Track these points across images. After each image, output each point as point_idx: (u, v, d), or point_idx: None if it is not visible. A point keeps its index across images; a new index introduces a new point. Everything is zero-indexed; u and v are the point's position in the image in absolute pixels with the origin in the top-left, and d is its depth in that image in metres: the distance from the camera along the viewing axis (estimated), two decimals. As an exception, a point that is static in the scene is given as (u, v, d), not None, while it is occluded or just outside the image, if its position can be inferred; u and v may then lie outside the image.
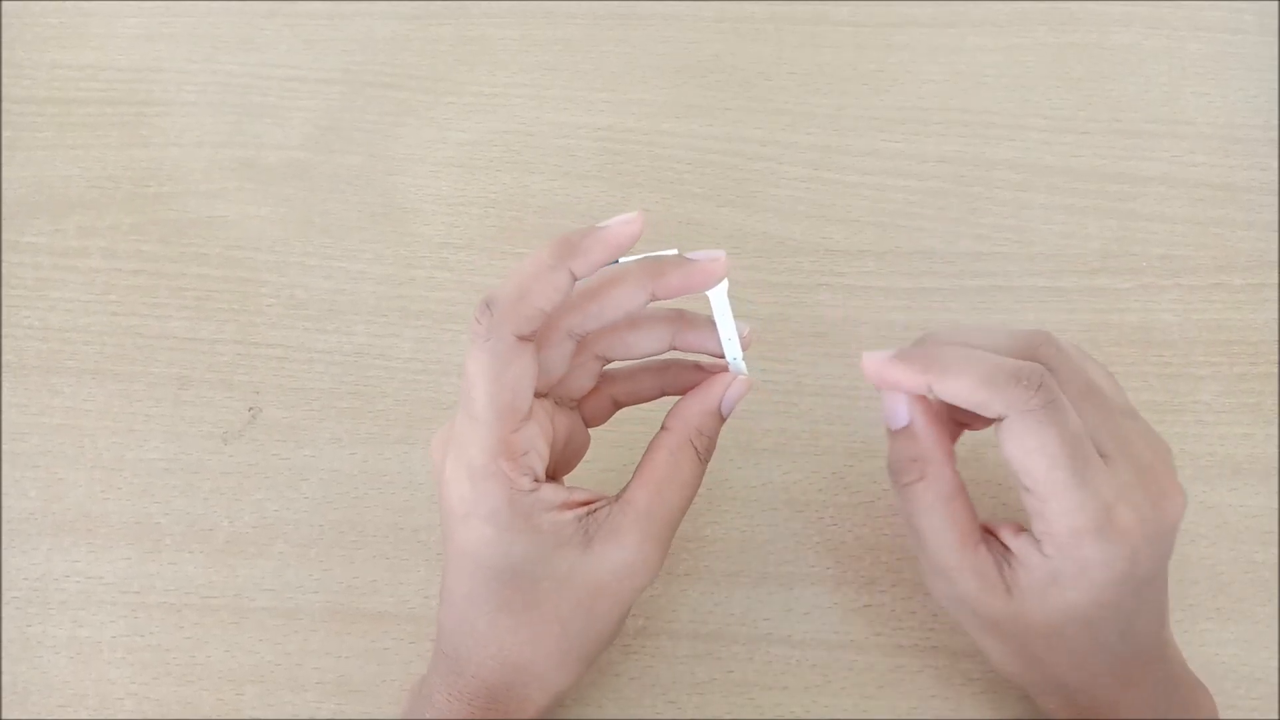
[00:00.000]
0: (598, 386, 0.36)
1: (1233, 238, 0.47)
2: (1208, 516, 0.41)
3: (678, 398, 0.34)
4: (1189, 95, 0.51)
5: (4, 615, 0.40)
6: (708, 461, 0.33)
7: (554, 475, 0.34)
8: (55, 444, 0.43)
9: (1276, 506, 0.41)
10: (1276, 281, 0.46)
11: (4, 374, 0.45)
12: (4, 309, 0.47)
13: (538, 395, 0.33)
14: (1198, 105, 0.51)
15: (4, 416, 0.44)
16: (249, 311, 0.46)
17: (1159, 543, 0.30)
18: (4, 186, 0.50)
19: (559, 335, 0.32)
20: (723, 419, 0.34)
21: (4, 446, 0.44)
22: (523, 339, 0.30)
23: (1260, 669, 0.38)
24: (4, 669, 0.39)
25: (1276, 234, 0.47)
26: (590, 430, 0.36)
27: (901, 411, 0.32)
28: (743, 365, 0.34)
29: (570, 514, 0.31)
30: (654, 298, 0.32)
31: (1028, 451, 0.29)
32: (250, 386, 0.45)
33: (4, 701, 0.39)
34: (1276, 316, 0.45)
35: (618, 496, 0.32)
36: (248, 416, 0.44)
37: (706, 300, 0.33)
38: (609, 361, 0.35)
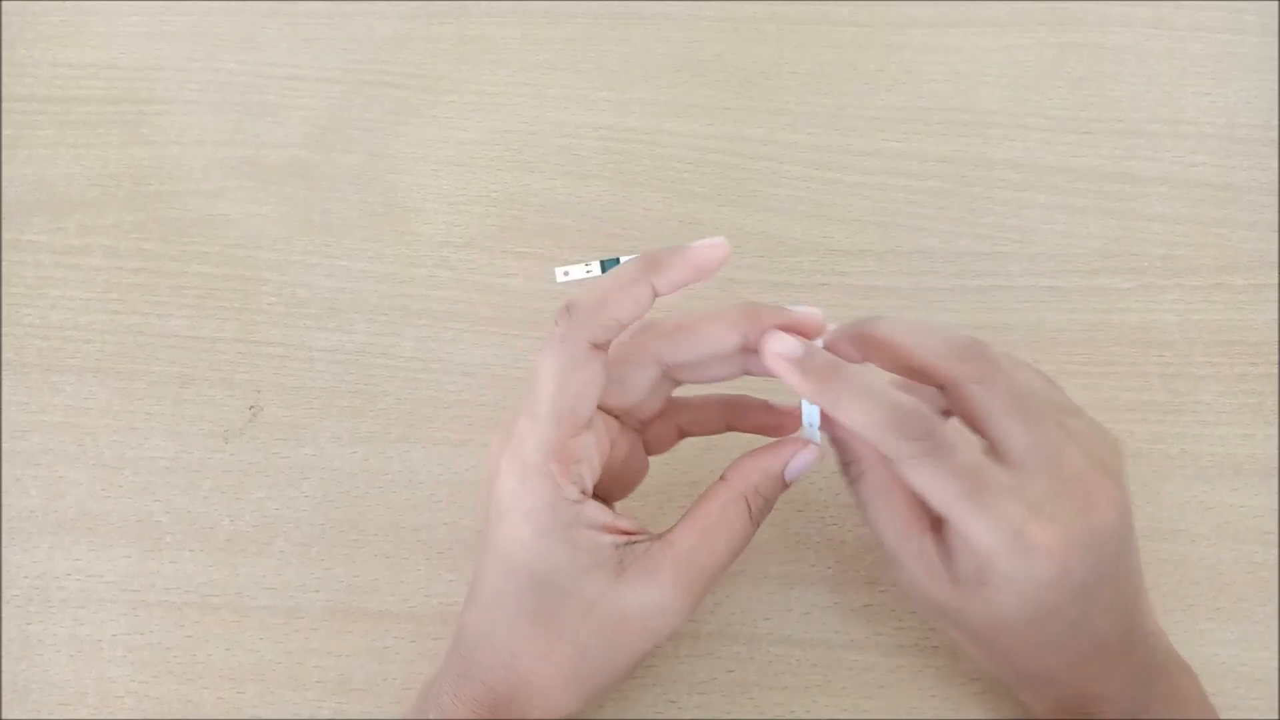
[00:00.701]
0: (664, 412, 0.36)
1: (1233, 238, 0.47)
2: (1208, 516, 0.41)
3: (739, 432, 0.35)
4: (1190, 95, 0.51)
5: (4, 613, 0.40)
6: (759, 523, 0.33)
7: (606, 498, 0.34)
8: (56, 442, 0.44)
9: (1276, 506, 0.41)
10: (1277, 282, 0.46)
11: (5, 372, 0.45)
12: (5, 307, 0.47)
13: (610, 412, 0.33)
14: (1198, 105, 0.51)
15: (5, 414, 0.44)
16: (250, 310, 0.46)
17: (1091, 549, 0.30)
18: (5, 185, 0.50)
19: (645, 359, 0.32)
20: (785, 485, 0.33)
21: (5, 444, 0.44)
22: (596, 347, 0.31)
23: (1260, 669, 0.38)
24: (4, 667, 0.39)
25: (1277, 234, 0.47)
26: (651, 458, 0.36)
27: (815, 432, 0.33)
28: (817, 434, 0.33)
29: (610, 538, 0.31)
30: (747, 342, 0.32)
31: (924, 489, 0.30)
32: (251, 385, 0.45)
33: (4, 700, 0.39)
34: (1277, 317, 0.45)
35: (661, 535, 0.32)
36: (249, 415, 0.44)
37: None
38: (679, 384, 0.35)
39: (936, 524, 0.32)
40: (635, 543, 0.31)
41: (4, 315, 0.46)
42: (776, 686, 0.39)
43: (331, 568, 0.41)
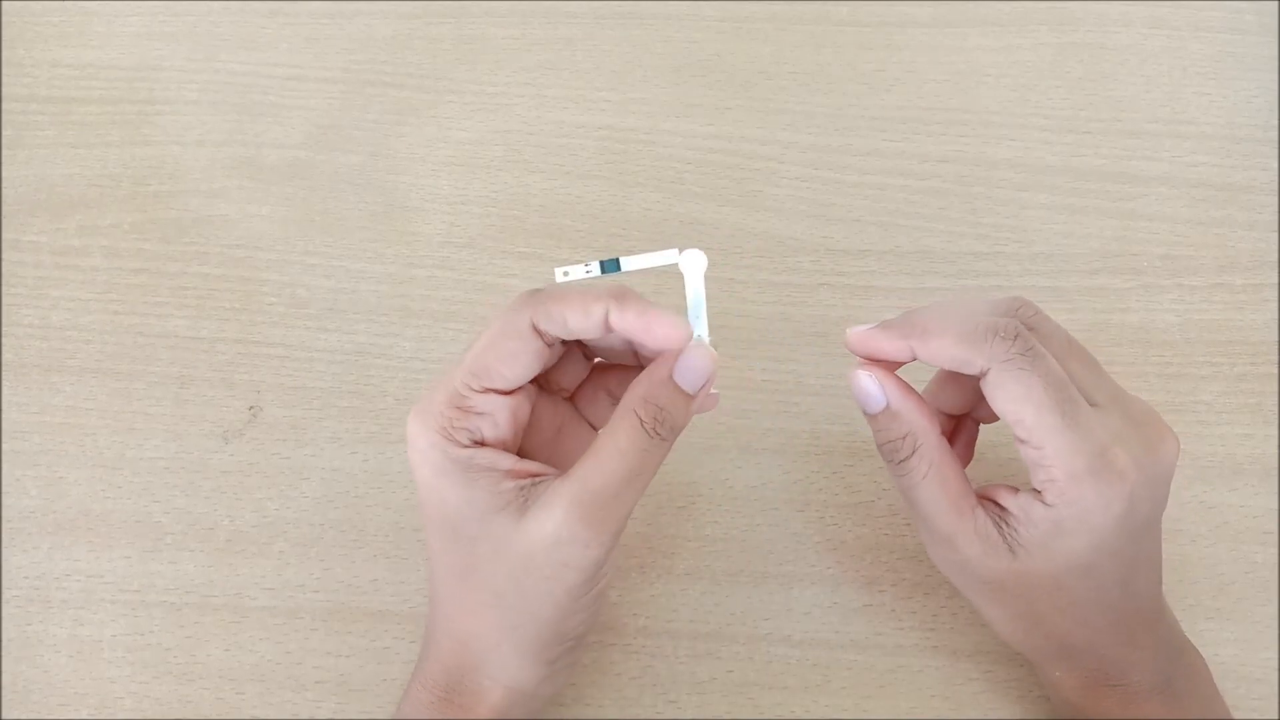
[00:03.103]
0: (591, 379, 0.36)
1: (1233, 238, 0.47)
2: (1208, 516, 0.41)
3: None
4: (1190, 95, 0.51)
5: (4, 614, 0.40)
6: (663, 435, 0.31)
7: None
8: (56, 443, 0.44)
9: (1276, 506, 0.41)
10: (1277, 282, 0.46)
11: (5, 373, 0.45)
12: (5, 307, 0.47)
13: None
14: (1198, 105, 0.51)
15: (4, 415, 0.44)
16: (250, 310, 0.46)
17: (1155, 486, 0.31)
18: (5, 185, 0.50)
19: (522, 325, 0.32)
20: (685, 392, 0.31)
21: (4, 445, 0.44)
22: (537, 330, 0.31)
23: (1260, 669, 0.39)
24: (4, 668, 0.39)
25: (1277, 234, 0.47)
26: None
27: (875, 393, 0.32)
28: (705, 340, 0.32)
29: (512, 482, 0.30)
30: (609, 328, 0.31)
31: (1015, 400, 0.29)
32: (251, 385, 0.45)
33: (4, 700, 0.39)
34: (1277, 317, 0.45)
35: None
36: (248, 415, 0.44)
37: (678, 276, 0.33)
38: (592, 357, 0.35)
39: (985, 498, 0.32)
40: (540, 481, 0.31)
41: (4, 315, 0.46)
42: (776, 686, 0.39)
43: (331, 568, 0.41)
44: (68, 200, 0.49)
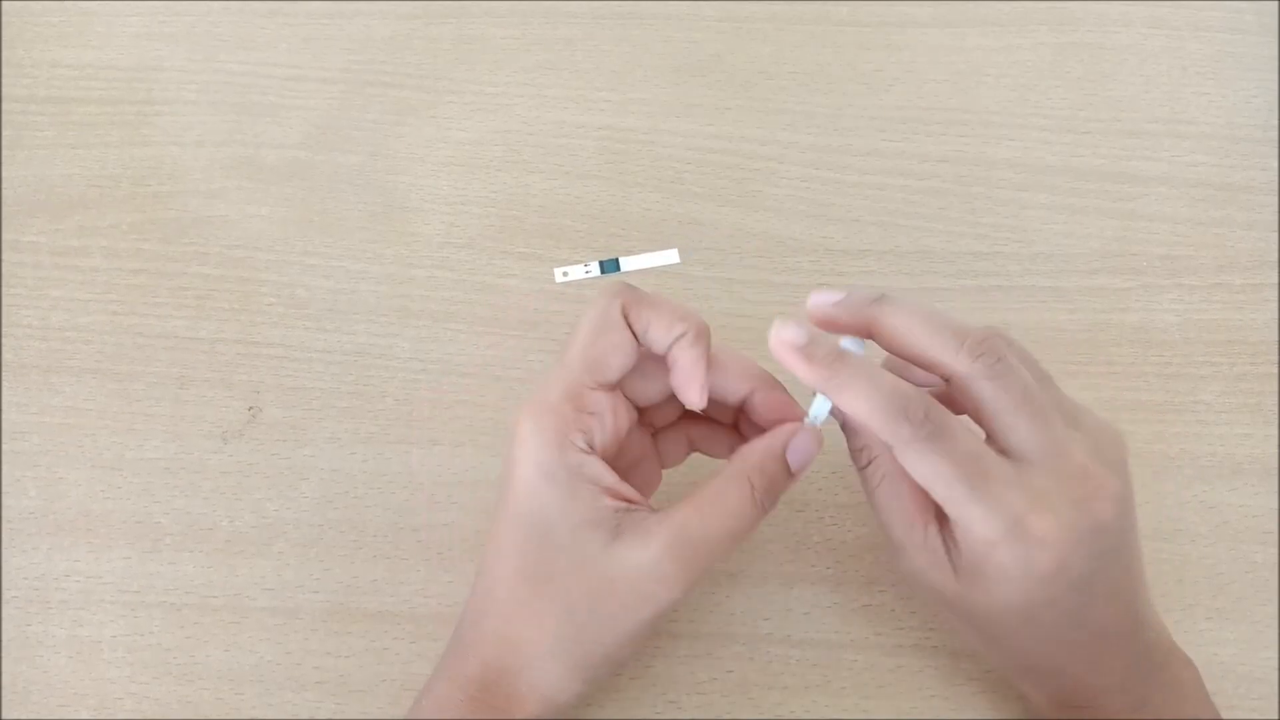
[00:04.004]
0: (677, 423, 0.37)
1: (1233, 238, 0.47)
2: (1208, 516, 0.41)
3: None
4: (1189, 95, 0.51)
5: (4, 614, 0.40)
6: (764, 505, 0.32)
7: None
8: (55, 443, 0.43)
9: (1276, 506, 0.41)
10: (1277, 282, 0.46)
11: (4, 373, 0.45)
12: (4, 308, 0.47)
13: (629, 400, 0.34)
14: (1198, 105, 0.51)
15: (5, 415, 0.44)
16: (249, 311, 0.46)
17: (1091, 541, 0.30)
18: (4, 185, 0.50)
19: (619, 320, 0.33)
20: (790, 471, 0.33)
21: (4, 445, 0.44)
22: (629, 322, 0.32)
23: (1260, 669, 0.38)
24: (4, 668, 0.39)
25: (1277, 234, 0.47)
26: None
27: (824, 415, 0.33)
28: (819, 421, 0.33)
29: (611, 501, 0.31)
30: (667, 349, 0.33)
31: (923, 477, 0.30)
32: (250, 386, 0.45)
33: (4, 701, 0.39)
34: (1277, 316, 0.45)
35: (664, 509, 0.32)
36: (248, 416, 0.44)
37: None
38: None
39: (942, 515, 0.32)
40: (635, 511, 0.32)
41: (4, 316, 0.46)
42: (776, 686, 0.38)
43: (331, 568, 0.41)
44: (67, 200, 0.49)
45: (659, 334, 0.32)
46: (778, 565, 0.41)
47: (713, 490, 0.32)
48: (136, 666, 0.39)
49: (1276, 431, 0.43)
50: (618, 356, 0.32)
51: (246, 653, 0.39)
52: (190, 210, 0.49)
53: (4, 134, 0.51)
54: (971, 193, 0.49)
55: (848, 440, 0.34)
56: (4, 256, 0.48)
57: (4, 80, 0.53)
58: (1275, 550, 0.41)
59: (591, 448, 0.32)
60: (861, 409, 0.30)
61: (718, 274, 0.47)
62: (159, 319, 0.46)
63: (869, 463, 0.33)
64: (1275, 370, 0.44)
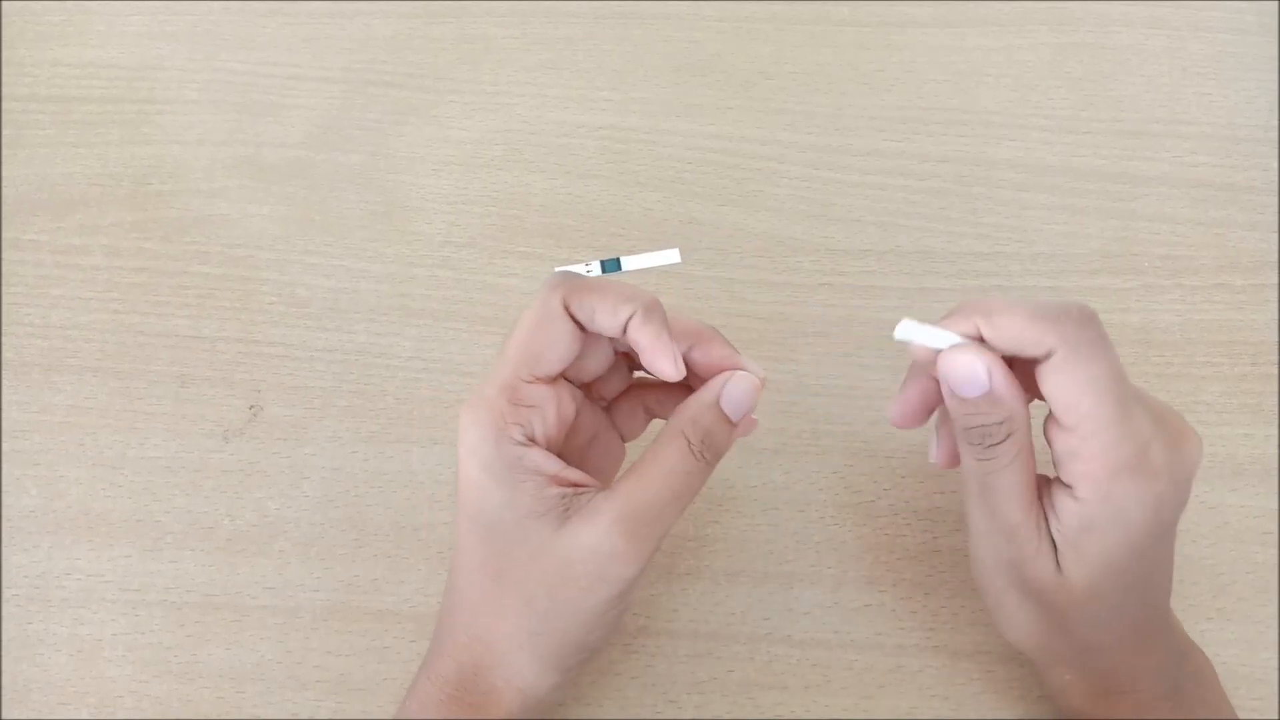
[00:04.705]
0: (628, 392, 0.36)
1: (1234, 238, 0.47)
2: (1208, 516, 0.41)
3: None
4: (1190, 95, 0.51)
5: (5, 613, 0.40)
6: (708, 459, 0.31)
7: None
8: (56, 442, 0.44)
9: (1276, 506, 0.41)
10: (1277, 282, 0.46)
11: (5, 372, 0.45)
12: (5, 307, 0.47)
13: (572, 380, 0.33)
14: (1199, 105, 0.51)
15: (5, 414, 0.44)
16: (250, 309, 0.46)
17: (1180, 488, 0.30)
18: (5, 184, 0.50)
19: (559, 309, 0.32)
20: (729, 420, 0.32)
21: (5, 444, 0.44)
22: (571, 314, 0.32)
23: (1260, 669, 0.39)
24: (4, 667, 0.39)
25: (1277, 234, 0.47)
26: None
27: (981, 374, 0.30)
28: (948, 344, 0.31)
29: (557, 489, 0.31)
30: (622, 333, 0.32)
31: (1077, 383, 0.29)
32: (251, 384, 0.45)
33: (4, 699, 0.39)
34: (1277, 317, 0.45)
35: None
36: (249, 414, 0.44)
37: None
38: (637, 367, 0.35)
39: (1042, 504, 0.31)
40: (584, 493, 0.31)
41: (4, 315, 0.46)
42: (776, 686, 0.39)
43: (331, 568, 0.41)
44: (68, 199, 0.49)
45: (606, 319, 0.31)
46: (778, 565, 0.41)
47: (651, 453, 0.31)
48: (137, 665, 0.39)
49: (1277, 432, 0.43)
50: (556, 349, 0.32)
51: (247, 651, 0.39)
52: (191, 209, 0.49)
53: (5, 133, 0.51)
54: (972, 193, 0.49)
55: (982, 415, 0.30)
56: (5, 255, 0.48)
57: (5, 79, 0.53)
58: (1276, 550, 0.41)
59: (531, 439, 0.31)
60: (1017, 321, 0.29)
61: (718, 274, 0.47)
62: (160, 318, 0.46)
63: (1008, 436, 0.30)
64: (1276, 371, 0.44)
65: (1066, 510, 0.30)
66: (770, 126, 0.51)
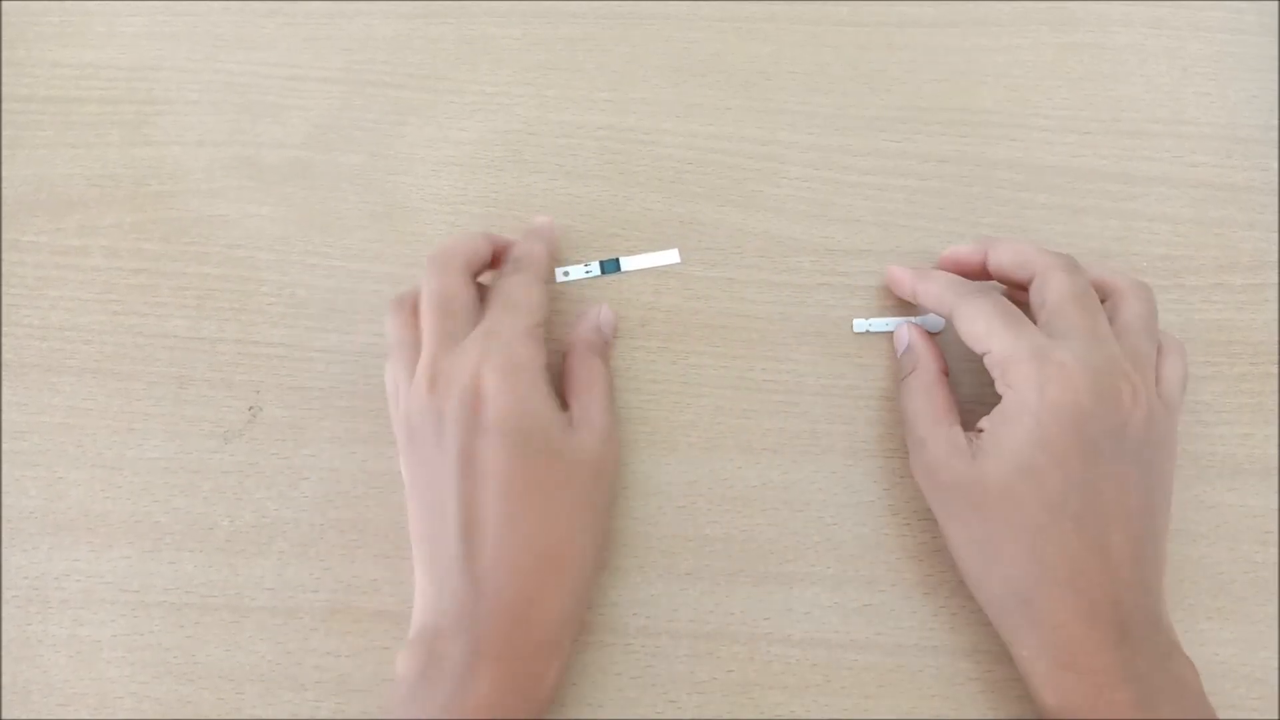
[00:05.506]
0: None
1: (1234, 238, 0.47)
2: (1208, 516, 0.41)
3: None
4: (1190, 95, 0.51)
5: (4, 614, 0.40)
6: (606, 356, 0.43)
7: None
8: (55, 443, 0.44)
9: (1276, 506, 0.41)
10: (1277, 282, 0.46)
11: (4, 373, 0.45)
12: (4, 308, 0.47)
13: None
14: (1199, 105, 0.51)
15: (4, 415, 0.44)
16: (249, 310, 0.46)
17: (1107, 413, 0.34)
18: (4, 185, 0.50)
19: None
20: (604, 335, 0.44)
21: (4, 445, 0.44)
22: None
23: (1260, 669, 0.39)
24: (4, 668, 0.39)
25: (1277, 234, 0.47)
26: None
27: (904, 337, 0.43)
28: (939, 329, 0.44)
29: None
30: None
31: (972, 319, 0.38)
32: (250, 385, 0.45)
33: (4, 700, 0.39)
34: (1277, 317, 0.45)
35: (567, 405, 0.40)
36: (248, 415, 0.44)
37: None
38: None
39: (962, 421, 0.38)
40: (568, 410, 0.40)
41: (4, 315, 0.46)
42: (776, 686, 0.39)
43: (331, 568, 0.41)
44: (67, 200, 0.49)
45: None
46: (778, 565, 0.41)
47: (569, 366, 0.42)
48: (136, 666, 0.39)
49: (1277, 432, 0.43)
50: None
51: (246, 652, 0.39)
52: (191, 210, 0.49)
53: (4, 134, 0.51)
54: (972, 193, 0.49)
55: (901, 361, 0.43)
56: (4, 256, 0.48)
57: (4, 80, 0.53)
58: (1275, 550, 0.41)
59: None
60: (937, 283, 0.41)
61: (718, 274, 0.47)
62: (159, 319, 0.46)
63: (913, 369, 0.41)
64: (1276, 370, 0.44)
65: (996, 415, 0.36)
66: (770, 126, 0.51)
